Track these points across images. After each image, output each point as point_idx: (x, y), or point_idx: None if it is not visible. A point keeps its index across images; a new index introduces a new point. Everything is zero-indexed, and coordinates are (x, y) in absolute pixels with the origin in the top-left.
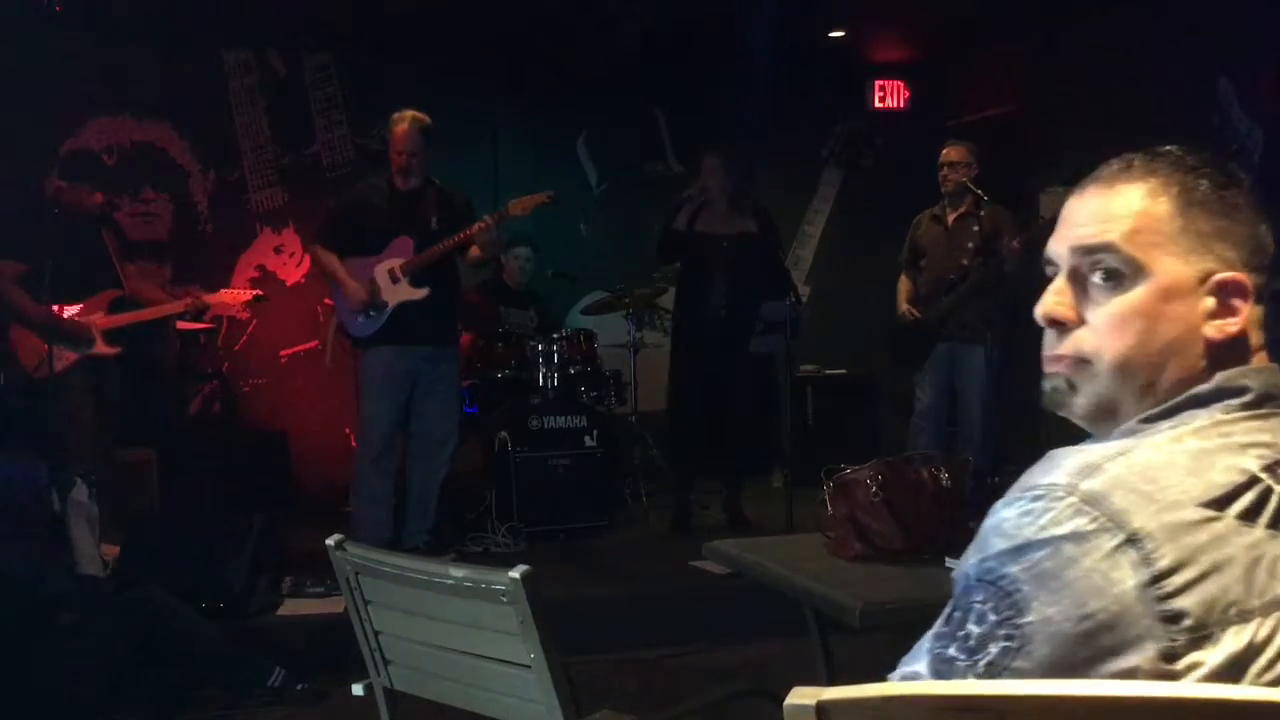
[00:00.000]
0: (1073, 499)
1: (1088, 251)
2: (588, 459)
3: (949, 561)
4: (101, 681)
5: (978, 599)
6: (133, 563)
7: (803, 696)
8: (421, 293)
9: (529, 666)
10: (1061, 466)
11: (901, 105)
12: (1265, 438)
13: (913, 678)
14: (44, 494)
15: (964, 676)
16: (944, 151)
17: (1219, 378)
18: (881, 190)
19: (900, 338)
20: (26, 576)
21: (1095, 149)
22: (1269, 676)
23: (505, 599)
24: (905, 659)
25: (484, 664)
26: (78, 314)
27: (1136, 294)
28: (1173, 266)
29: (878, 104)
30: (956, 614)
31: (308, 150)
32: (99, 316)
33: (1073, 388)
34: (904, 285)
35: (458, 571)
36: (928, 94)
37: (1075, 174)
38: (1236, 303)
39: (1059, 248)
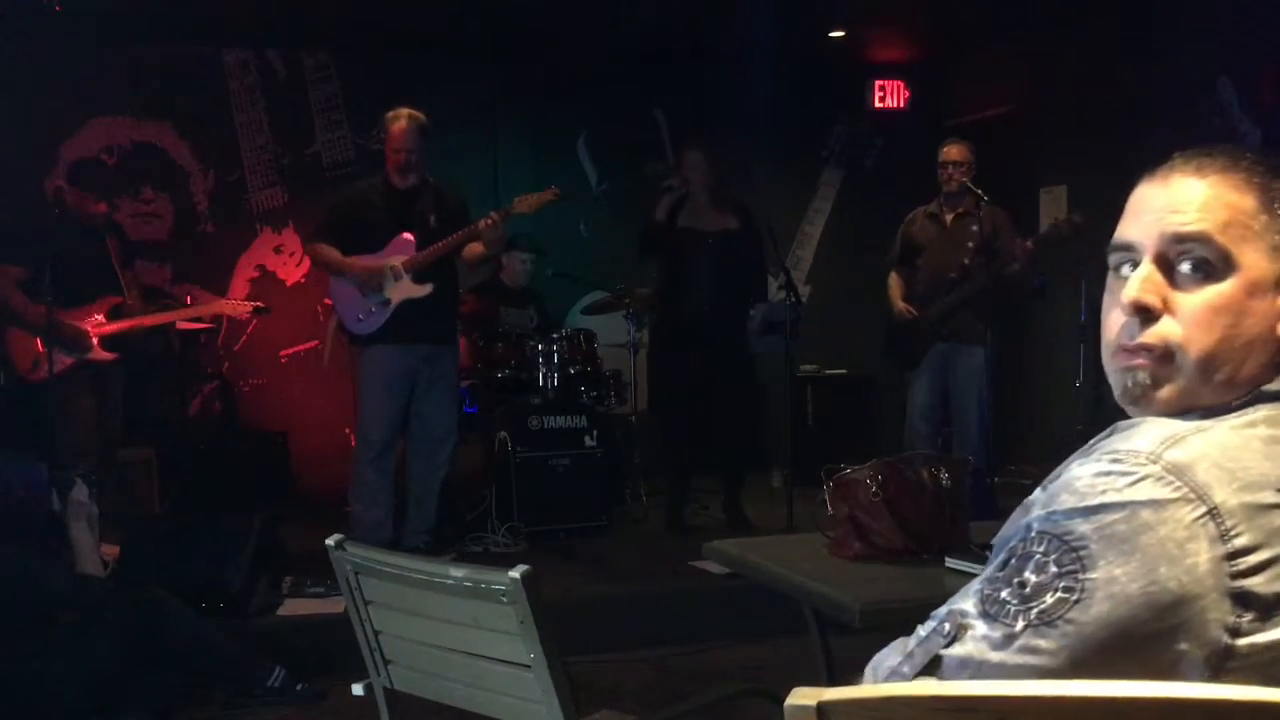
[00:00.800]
0: (1156, 467)
1: (1180, 240)
2: (588, 459)
3: (949, 561)
4: (101, 681)
5: (1039, 549)
6: (133, 563)
7: (803, 697)
8: (425, 289)
9: (529, 666)
10: (1144, 434)
11: (901, 105)
12: None
13: (959, 615)
14: (44, 494)
15: (1014, 620)
16: (945, 150)
17: None
18: (881, 190)
19: (897, 337)
20: (26, 576)
21: (1095, 149)
22: None
23: (505, 599)
24: (953, 599)
25: (484, 664)
26: (77, 319)
27: (1226, 287)
28: (1259, 262)
29: (878, 104)
30: (1014, 561)
31: (308, 150)
32: (97, 322)
33: (1156, 382)
34: (896, 283)
35: (458, 571)
36: (928, 94)
37: (1068, 173)
38: None
39: (1140, 234)
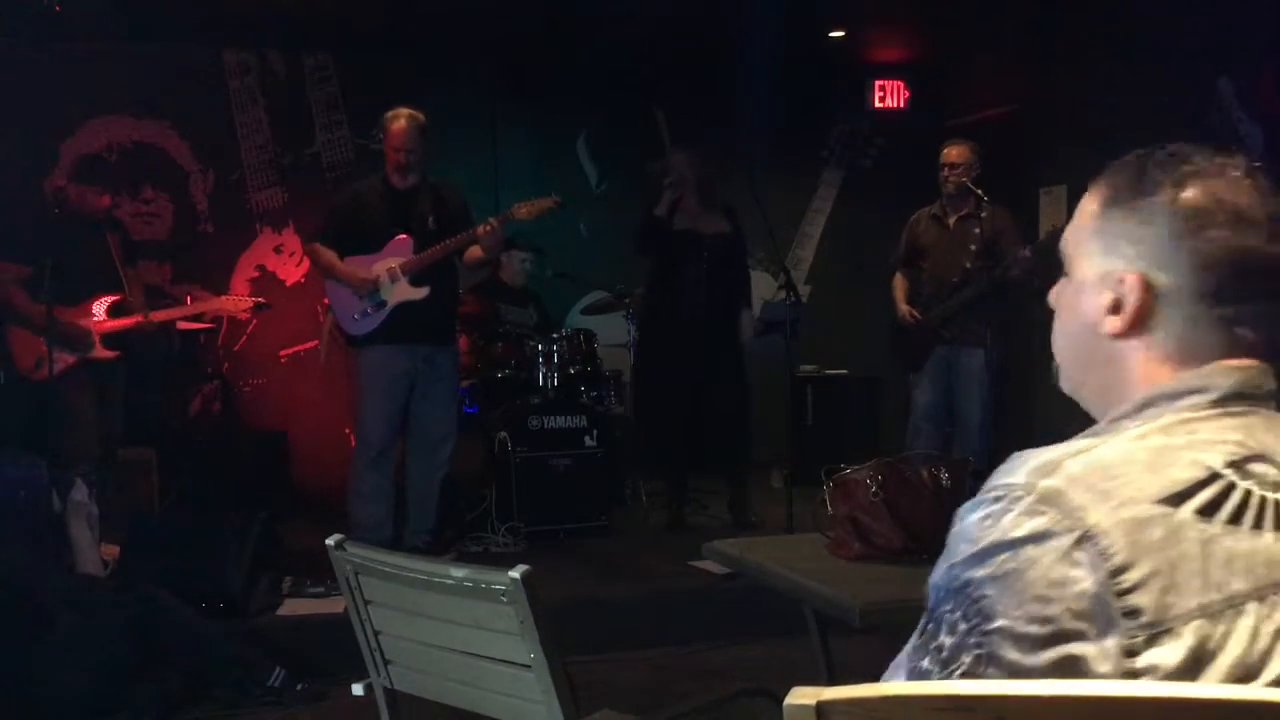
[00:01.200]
0: (1030, 498)
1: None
2: (588, 459)
3: None
4: (101, 681)
5: (948, 608)
6: (133, 563)
7: (803, 696)
8: (422, 292)
9: (529, 666)
10: (1022, 466)
11: (901, 105)
12: (1235, 435)
13: None
14: (44, 494)
15: None
16: (945, 151)
17: (1185, 376)
18: (881, 190)
19: (899, 339)
20: (27, 576)
21: (1095, 149)
22: (1232, 675)
23: (505, 599)
24: (886, 674)
25: (484, 664)
26: (78, 316)
27: (1065, 289)
28: (1087, 264)
29: (878, 104)
30: (930, 625)
31: (308, 150)
32: (98, 320)
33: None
34: (900, 285)
35: (458, 571)
36: (928, 94)
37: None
38: (1129, 301)
39: None
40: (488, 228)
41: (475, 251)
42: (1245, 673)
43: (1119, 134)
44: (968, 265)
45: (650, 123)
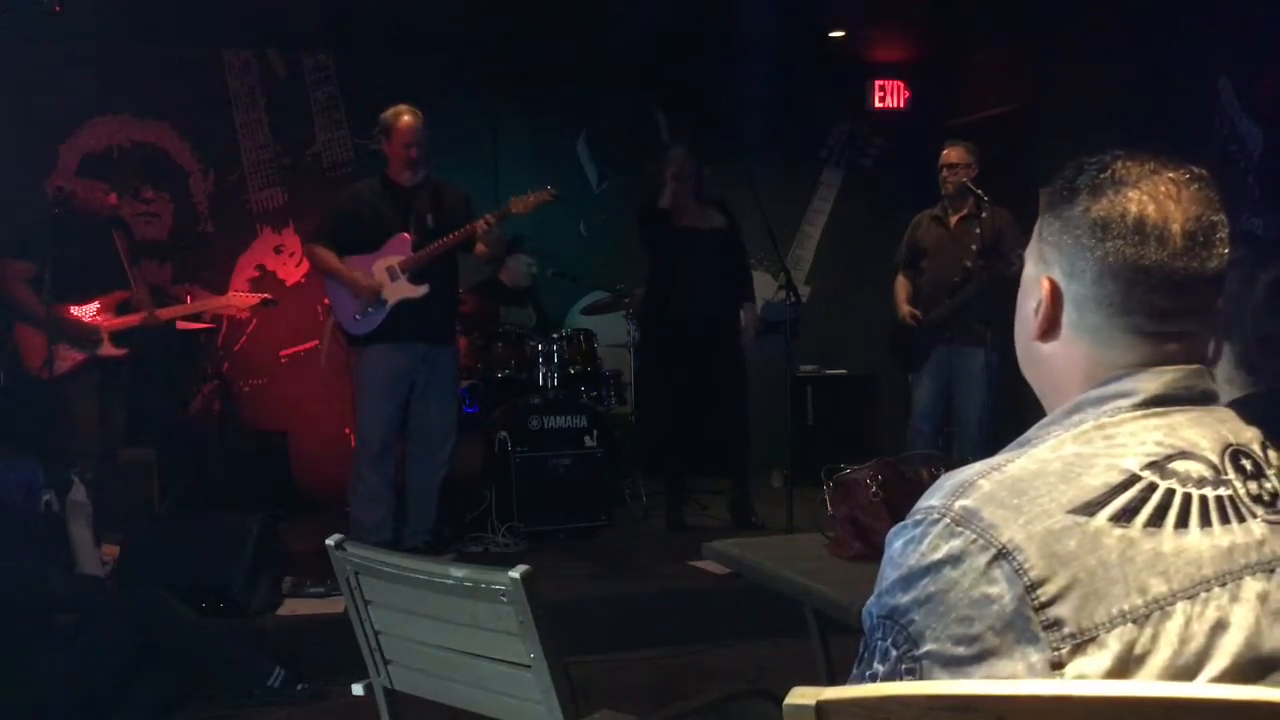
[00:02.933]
0: (946, 520)
1: None
2: (588, 459)
3: None
4: (102, 681)
5: (879, 636)
6: (133, 563)
7: (803, 696)
8: (421, 290)
9: (529, 666)
10: (941, 488)
11: (901, 105)
12: (1155, 435)
13: None
14: (40, 494)
15: None
16: (944, 152)
17: (1115, 382)
18: (881, 190)
19: (900, 339)
20: (26, 577)
21: (1095, 149)
22: (1164, 677)
23: (505, 599)
24: None
25: (484, 664)
26: (84, 314)
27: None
28: (1028, 267)
29: (878, 104)
30: (865, 654)
31: (308, 150)
32: (107, 318)
33: None
34: (902, 286)
35: (458, 571)
36: (928, 94)
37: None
38: (1046, 306)
39: None
40: (485, 225)
41: (479, 249)
42: (1179, 674)
43: (1119, 134)
44: (968, 264)
45: (650, 123)
